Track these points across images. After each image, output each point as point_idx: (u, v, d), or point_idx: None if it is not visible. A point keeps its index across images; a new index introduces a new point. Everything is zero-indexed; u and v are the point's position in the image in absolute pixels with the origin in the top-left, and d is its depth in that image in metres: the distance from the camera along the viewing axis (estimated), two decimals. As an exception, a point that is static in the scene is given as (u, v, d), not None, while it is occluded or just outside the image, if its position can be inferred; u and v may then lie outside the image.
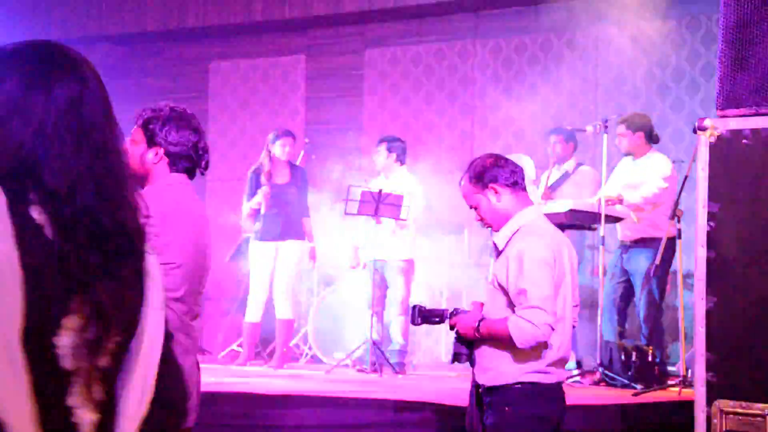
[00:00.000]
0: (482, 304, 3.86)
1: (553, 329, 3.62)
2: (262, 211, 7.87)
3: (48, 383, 1.58)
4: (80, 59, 1.72)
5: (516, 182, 3.84)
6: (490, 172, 3.83)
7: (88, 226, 1.63)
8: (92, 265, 1.62)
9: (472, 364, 3.82)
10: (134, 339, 1.70)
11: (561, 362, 3.80)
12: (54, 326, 1.59)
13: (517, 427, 3.72)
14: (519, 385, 3.69)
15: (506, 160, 3.92)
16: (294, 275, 8.03)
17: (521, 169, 3.92)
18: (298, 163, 8.57)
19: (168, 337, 1.80)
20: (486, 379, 3.77)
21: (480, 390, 3.81)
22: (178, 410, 1.86)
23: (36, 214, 1.61)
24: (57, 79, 1.67)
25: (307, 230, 8.07)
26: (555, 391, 3.78)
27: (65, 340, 1.59)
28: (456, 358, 3.85)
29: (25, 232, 1.58)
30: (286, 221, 7.90)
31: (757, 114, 3.62)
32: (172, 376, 1.83)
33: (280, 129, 8.29)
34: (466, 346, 3.81)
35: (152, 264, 1.74)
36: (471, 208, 3.91)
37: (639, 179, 7.04)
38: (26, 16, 10.79)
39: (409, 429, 5.15)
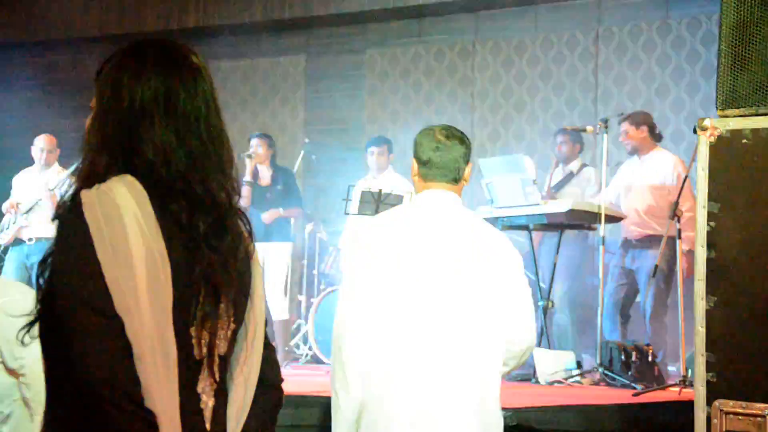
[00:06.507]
0: None
1: None
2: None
3: (186, 373, 1.67)
4: (175, 56, 1.79)
5: None
6: None
7: (204, 217, 1.70)
8: (215, 258, 1.70)
9: None
10: (242, 326, 1.79)
11: None
12: (191, 318, 1.67)
13: None
14: None
15: None
16: (287, 274, 8.06)
17: None
18: (297, 163, 8.55)
19: (267, 322, 1.88)
20: None
21: None
22: (278, 389, 1.95)
23: (170, 204, 1.67)
24: (146, 72, 1.75)
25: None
26: None
27: (197, 331, 1.68)
28: None
29: (167, 226, 1.65)
30: (270, 223, 7.79)
31: (757, 114, 3.62)
32: (271, 358, 1.92)
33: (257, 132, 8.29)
34: None
35: (256, 253, 1.83)
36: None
37: (646, 179, 7.05)
38: (23, 18, 10.78)
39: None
